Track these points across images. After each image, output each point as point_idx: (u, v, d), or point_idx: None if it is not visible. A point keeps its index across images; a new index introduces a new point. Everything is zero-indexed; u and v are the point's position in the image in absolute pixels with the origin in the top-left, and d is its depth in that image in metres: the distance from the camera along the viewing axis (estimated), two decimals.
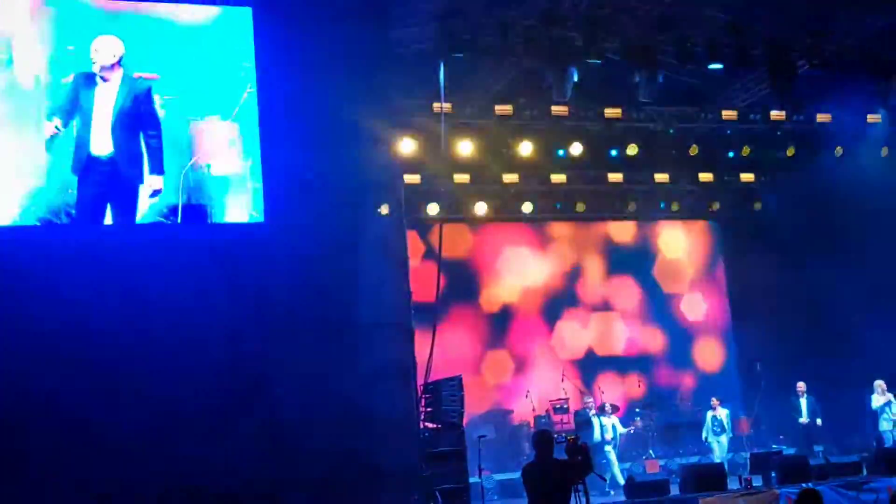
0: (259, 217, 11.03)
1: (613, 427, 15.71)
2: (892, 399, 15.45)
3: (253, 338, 10.63)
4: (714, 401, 16.72)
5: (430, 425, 12.15)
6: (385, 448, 10.88)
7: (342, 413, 10.57)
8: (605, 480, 11.96)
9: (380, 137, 11.59)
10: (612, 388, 18.35)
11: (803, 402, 16.22)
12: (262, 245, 10.79)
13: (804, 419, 16.18)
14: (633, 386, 18.60)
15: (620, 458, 15.78)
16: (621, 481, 14.12)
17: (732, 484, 12.87)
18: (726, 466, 14.59)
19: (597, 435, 15.24)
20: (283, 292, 10.74)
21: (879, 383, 15.59)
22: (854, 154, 17.34)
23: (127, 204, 10.85)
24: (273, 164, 11.02)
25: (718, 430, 16.34)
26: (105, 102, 10.75)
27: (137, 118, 10.85)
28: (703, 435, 16.48)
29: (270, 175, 11.01)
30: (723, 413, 16.48)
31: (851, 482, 12.41)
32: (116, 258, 10.30)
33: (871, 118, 16.71)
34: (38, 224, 10.39)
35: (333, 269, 11.08)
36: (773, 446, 16.49)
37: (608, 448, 15.38)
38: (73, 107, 10.66)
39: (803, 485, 11.99)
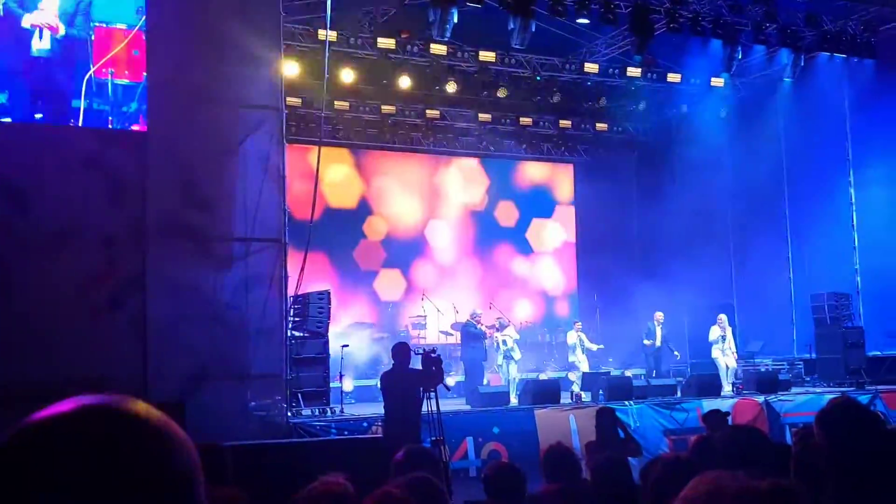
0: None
1: (504, 341, 15.59)
2: (727, 334, 16.21)
3: (130, 240, 10.36)
4: (577, 324, 17.12)
5: (297, 333, 12.21)
6: (253, 351, 10.86)
7: (213, 317, 10.46)
8: (449, 389, 12.26)
9: (264, 58, 11.26)
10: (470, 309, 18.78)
11: (659, 329, 16.81)
12: (144, 154, 10.43)
13: (658, 343, 16.76)
14: (487, 307, 19.05)
15: None
16: (512, 394, 14.10)
17: (565, 399, 13.45)
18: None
19: (485, 345, 15.40)
20: (162, 200, 10.46)
21: (721, 317, 16.30)
22: (697, 112, 18.04)
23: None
24: (159, 75, 10.60)
25: (584, 348, 16.66)
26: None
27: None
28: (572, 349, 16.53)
29: (155, 86, 10.61)
30: (584, 336, 16.85)
31: (667, 402, 13.16)
32: (8, 155, 9.83)
33: (714, 81, 17.36)
34: None
35: (212, 182, 10.84)
36: (601, 367, 17.19)
37: (500, 360, 15.41)
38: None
39: (625, 402, 12.65)
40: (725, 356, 15.92)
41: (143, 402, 1.10)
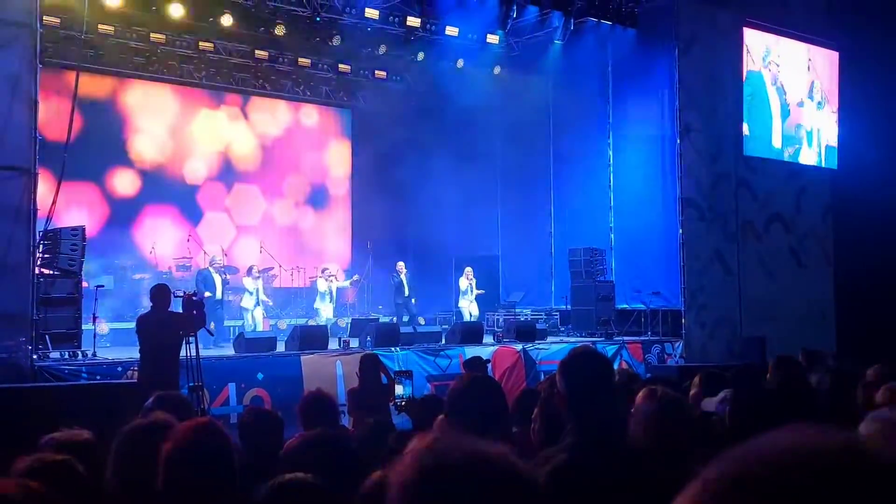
0: None
1: (258, 290, 15.54)
2: (472, 285, 16.95)
3: None
4: (327, 269, 17.20)
5: (46, 271, 11.40)
6: None
7: None
8: (212, 335, 11.96)
9: None
10: (241, 254, 18.37)
11: (404, 279, 17.12)
12: None
13: (407, 293, 17.01)
14: (257, 252, 18.66)
15: None
16: None
17: (333, 345, 13.50)
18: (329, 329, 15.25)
19: (219, 293, 15.05)
20: None
21: (467, 270, 17.01)
22: (472, 67, 18.41)
23: None
24: None
25: (328, 298, 16.73)
26: None
27: None
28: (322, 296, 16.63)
29: None
30: (335, 283, 16.93)
31: (432, 348, 13.55)
32: None
33: (490, 38, 17.76)
34: None
35: None
36: (371, 314, 17.40)
37: (248, 306, 15.41)
38: None
39: (391, 348, 12.90)
40: (471, 305, 16.84)
41: None
